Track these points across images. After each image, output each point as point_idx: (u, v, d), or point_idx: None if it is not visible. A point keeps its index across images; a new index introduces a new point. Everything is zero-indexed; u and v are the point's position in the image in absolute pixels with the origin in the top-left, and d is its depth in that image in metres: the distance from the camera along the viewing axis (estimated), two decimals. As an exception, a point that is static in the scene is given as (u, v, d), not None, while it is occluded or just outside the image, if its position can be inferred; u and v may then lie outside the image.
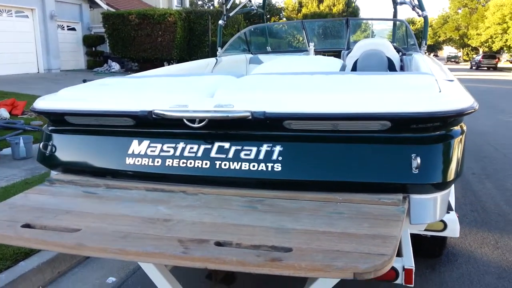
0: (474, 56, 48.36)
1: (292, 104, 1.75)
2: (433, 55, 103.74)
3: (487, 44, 42.66)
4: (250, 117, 1.73)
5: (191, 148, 1.88)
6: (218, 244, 1.39)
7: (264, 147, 1.79)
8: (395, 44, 5.35)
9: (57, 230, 1.57)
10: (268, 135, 1.81)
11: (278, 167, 1.76)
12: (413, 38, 4.88)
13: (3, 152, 5.75)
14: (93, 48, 20.42)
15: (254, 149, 1.80)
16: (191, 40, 19.12)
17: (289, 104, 1.76)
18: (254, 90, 1.99)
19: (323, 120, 1.72)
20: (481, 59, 40.08)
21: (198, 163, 1.85)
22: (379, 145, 1.72)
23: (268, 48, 5.99)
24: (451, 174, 1.71)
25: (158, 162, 1.91)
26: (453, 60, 64.76)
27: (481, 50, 49.04)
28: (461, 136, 1.77)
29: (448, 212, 2.34)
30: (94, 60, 20.18)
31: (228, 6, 4.77)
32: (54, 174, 2.25)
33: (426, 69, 2.58)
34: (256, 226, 1.52)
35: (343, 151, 1.76)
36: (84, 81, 8.98)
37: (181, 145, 1.90)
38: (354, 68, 4.26)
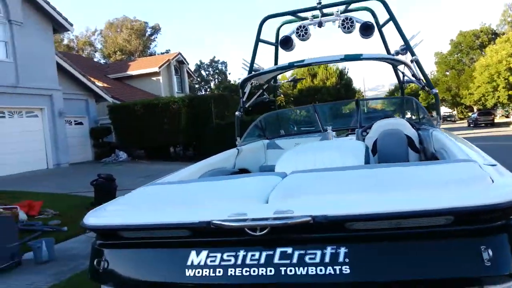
0: (470, 114, 49.47)
1: (353, 205, 1.78)
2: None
3: (481, 102, 43.86)
4: (312, 222, 1.75)
5: (253, 255, 1.86)
6: None
7: (329, 250, 1.79)
8: (407, 118, 5.53)
9: None
10: (331, 237, 1.81)
11: (346, 269, 1.74)
12: (424, 112, 5.05)
13: (25, 256, 5.66)
14: (100, 140, 20.87)
15: (319, 252, 1.79)
16: (195, 124, 19.52)
17: (349, 206, 1.78)
18: (309, 193, 2.02)
19: (386, 219, 1.74)
20: (478, 117, 41.00)
21: (262, 270, 1.82)
22: (445, 240, 1.72)
23: (282, 132, 6.16)
24: None
25: (219, 272, 1.88)
26: (449, 119, 66.11)
27: (475, 108, 50.26)
28: None
29: None
30: (101, 151, 20.54)
31: (244, 98, 4.99)
32: None
33: (461, 153, 2.63)
34: None
35: (411, 248, 1.75)
36: (98, 176, 9.10)
37: (241, 253, 1.88)
38: (374, 148, 4.33)
